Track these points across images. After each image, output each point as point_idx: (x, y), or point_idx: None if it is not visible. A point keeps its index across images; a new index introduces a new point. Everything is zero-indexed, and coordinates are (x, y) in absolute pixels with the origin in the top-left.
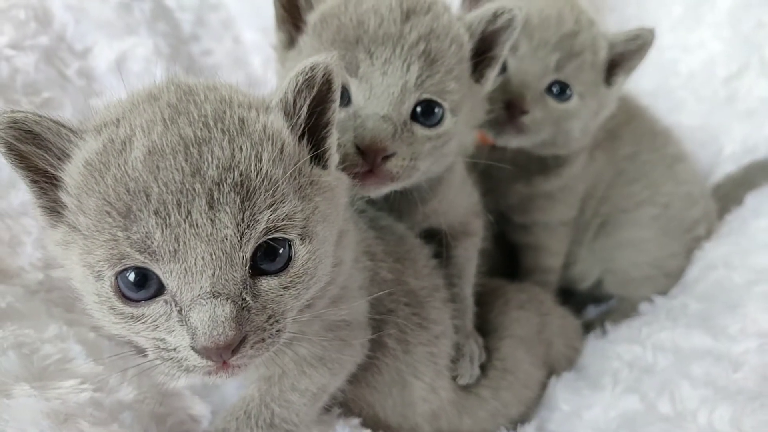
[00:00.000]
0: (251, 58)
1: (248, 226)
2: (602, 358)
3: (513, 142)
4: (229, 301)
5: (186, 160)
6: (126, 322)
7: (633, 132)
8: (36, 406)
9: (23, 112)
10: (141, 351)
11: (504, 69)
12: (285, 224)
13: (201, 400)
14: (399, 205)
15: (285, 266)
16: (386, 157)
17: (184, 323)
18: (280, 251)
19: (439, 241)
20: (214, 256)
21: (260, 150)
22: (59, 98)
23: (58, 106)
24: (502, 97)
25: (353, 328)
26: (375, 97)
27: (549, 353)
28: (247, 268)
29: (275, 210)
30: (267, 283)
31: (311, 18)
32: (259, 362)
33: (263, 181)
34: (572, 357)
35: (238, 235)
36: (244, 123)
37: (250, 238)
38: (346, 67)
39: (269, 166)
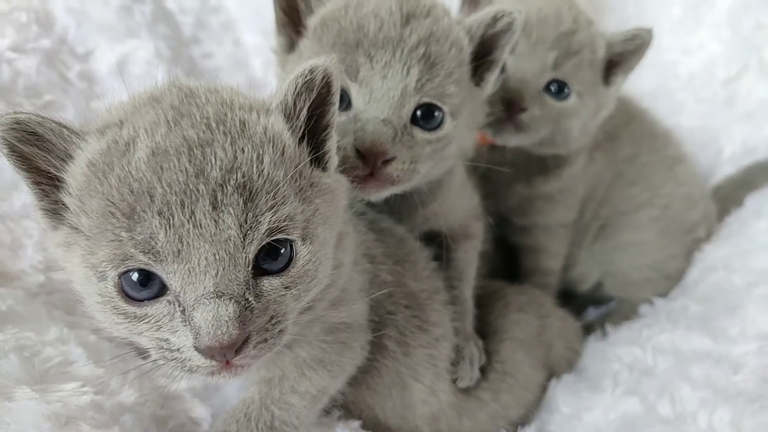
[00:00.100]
0: (252, 61)
1: (251, 228)
2: (602, 361)
3: (512, 140)
4: (233, 301)
5: (190, 162)
6: (129, 322)
7: (633, 134)
8: (37, 409)
9: (26, 113)
10: (142, 353)
11: (503, 69)
12: (287, 225)
13: (201, 403)
14: (399, 207)
15: (286, 266)
16: (386, 161)
17: (188, 323)
18: (282, 251)
19: (439, 244)
20: (217, 257)
21: (261, 152)
22: (61, 101)
23: (59, 108)
24: (500, 95)
25: (353, 330)
26: (375, 100)
27: (549, 355)
28: (249, 268)
29: (277, 211)
30: (269, 283)
31: (311, 22)
32: (259, 365)
33: (265, 182)
34: (572, 359)
35: (241, 235)
36: (245, 125)
37: (253, 239)
38: (347, 71)
39: (271, 168)
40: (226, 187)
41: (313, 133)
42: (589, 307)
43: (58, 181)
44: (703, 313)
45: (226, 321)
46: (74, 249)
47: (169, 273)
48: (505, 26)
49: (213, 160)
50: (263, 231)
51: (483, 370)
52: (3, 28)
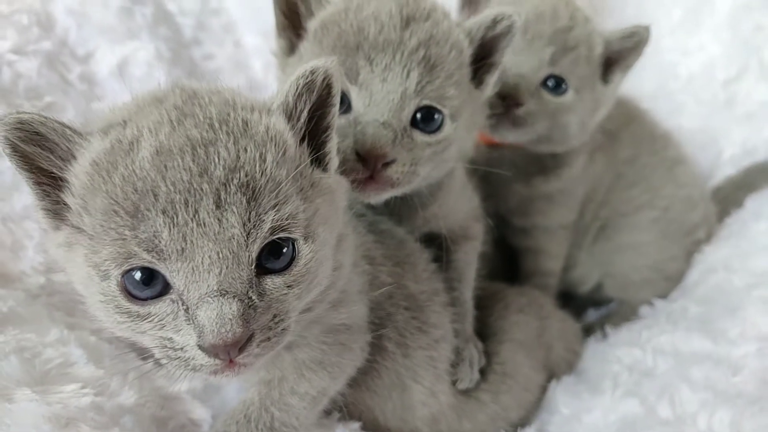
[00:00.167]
0: (252, 62)
1: (254, 226)
2: (602, 362)
3: (509, 136)
4: (236, 299)
5: (194, 161)
6: (132, 321)
7: (632, 135)
8: (37, 410)
9: (29, 113)
10: (143, 354)
11: None
12: (289, 223)
13: (201, 404)
14: (399, 209)
15: (289, 265)
16: (386, 164)
17: (191, 322)
18: (284, 250)
19: (439, 246)
20: (221, 255)
21: (264, 151)
22: (62, 102)
23: (60, 110)
24: (497, 90)
25: (353, 331)
26: (375, 103)
27: (549, 357)
28: (253, 267)
29: (279, 210)
30: (272, 282)
31: (312, 25)
32: (260, 365)
33: (268, 181)
34: (572, 360)
35: (244, 234)
36: (247, 125)
37: (256, 238)
38: (347, 74)
39: (273, 167)
40: (230, 186)
41: (313, 134)
42: (589, 309)
43: (60, 181)
44: (703, 314)
45: (230, 319)
46: (76, 249)
47: (172, 271)
48: (505, 29)
49: (216, 160)
50: (266, 229)
51: (483, 372)
52: (4, 30)
